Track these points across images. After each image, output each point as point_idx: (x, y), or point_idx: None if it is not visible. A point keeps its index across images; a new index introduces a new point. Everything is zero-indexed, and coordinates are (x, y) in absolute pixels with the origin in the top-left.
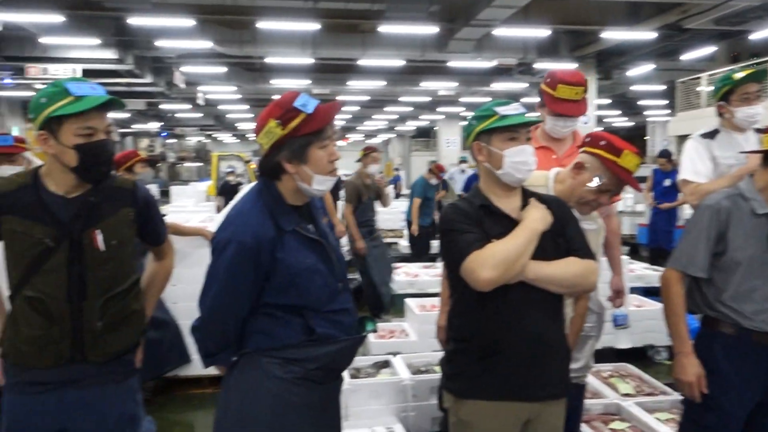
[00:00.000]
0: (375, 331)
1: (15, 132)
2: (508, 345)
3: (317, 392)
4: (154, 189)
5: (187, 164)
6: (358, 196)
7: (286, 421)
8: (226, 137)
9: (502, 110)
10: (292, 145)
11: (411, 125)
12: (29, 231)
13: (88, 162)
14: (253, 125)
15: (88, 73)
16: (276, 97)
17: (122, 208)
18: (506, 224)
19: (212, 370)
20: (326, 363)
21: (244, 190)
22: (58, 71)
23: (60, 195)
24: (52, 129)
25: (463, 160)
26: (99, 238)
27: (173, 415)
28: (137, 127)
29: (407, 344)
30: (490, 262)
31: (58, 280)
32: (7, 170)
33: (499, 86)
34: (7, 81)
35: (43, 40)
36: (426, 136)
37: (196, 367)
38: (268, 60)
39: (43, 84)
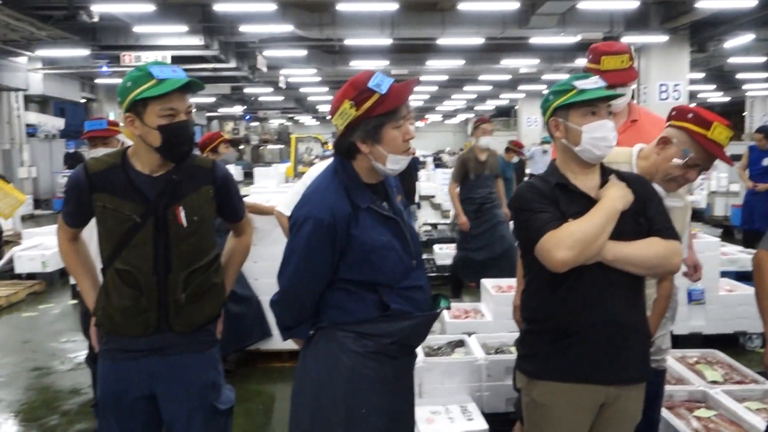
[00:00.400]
0: (449, 308)
1: (111, 117)
2: (583, 327)
3: (391, 366)
4: (238, 171)
5: (269, 146)
6: (462, 172)
7: (361, 392)
8: (306, 119)
9: (580, 84)
10: (366, 125)
11: (490, 104)
12: (119, 208)
13: (170, 142)
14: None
15: (176, 60)
16: None
17: (202, 186)
18: (584, 203)
19: (291, 345)
20: (400, 338)
21: (316, 167)
22: (149, 58)
23: (146, 174)
24: (137, 111)
25: (545, 141)
26: (182, 214)
27: (255, 386)
28: (222, 110)
29: (482, 325)
30: (566, 242)
31: (145, 254)
32: (101, 152)
33: (584, 63)
34: (104, 69)
35: (137, 29)
36: (506, 115)
37: (277, 342)
38: (348, 42)
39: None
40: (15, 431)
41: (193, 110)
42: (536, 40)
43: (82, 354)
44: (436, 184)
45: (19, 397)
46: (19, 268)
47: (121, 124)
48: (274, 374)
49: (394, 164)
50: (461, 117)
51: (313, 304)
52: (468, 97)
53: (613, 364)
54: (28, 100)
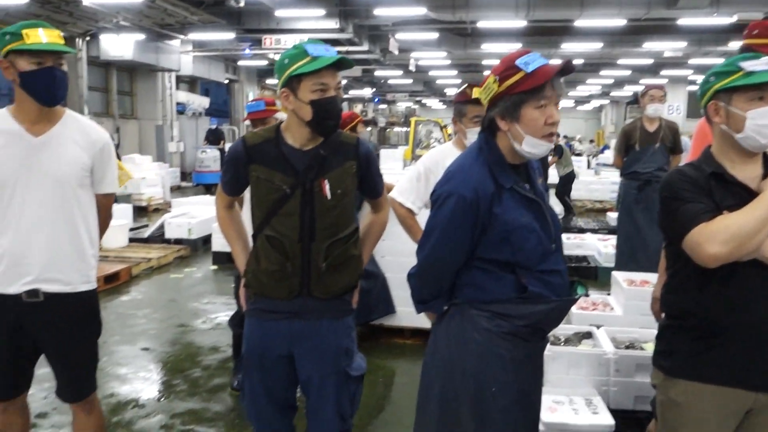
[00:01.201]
0: (587, 295)
1: (251, 96)
2: (732, 328)
3: (522, 349)
4: None
5: (395, 129)
6: (624, 144)
7: (491, 371)
8: (433, 103)
9: (748, 65)
10: (506, 102)
11: (628, 90)
12: (271, 178)
13: (320, 116)
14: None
15: None
16: (486, 62)
17: (346, 161)
18: (742, 195)
19: (414, 323)
20: (535, 321)
21: (433, 151)
22: (288, 42)
23: (296, 148)
24: (292, 87)
25: None
26: (326, 187)
27: (377, 360)
28: (353, 93)
29: (611, 318)
30: (720, 237)
31: (292, 223)
32: None
33: (738, 45)
34: (247, 51)
35: (278, 13)
36: None
37: (400, 318)
38: (480, 24)
39: (276, 53)
40: (164, 379)
41: (342, 86)
42: (685, 21)
43: (221, 315)
44: None
45: (166, 349)
46: (169, 233)
47: (278, 103)
48: (395, 350)
49: (532, 148)
50: (595, 103)
51: (450, 280)
52: (604, 82)
53: (765, 368)
54: (179, 80)
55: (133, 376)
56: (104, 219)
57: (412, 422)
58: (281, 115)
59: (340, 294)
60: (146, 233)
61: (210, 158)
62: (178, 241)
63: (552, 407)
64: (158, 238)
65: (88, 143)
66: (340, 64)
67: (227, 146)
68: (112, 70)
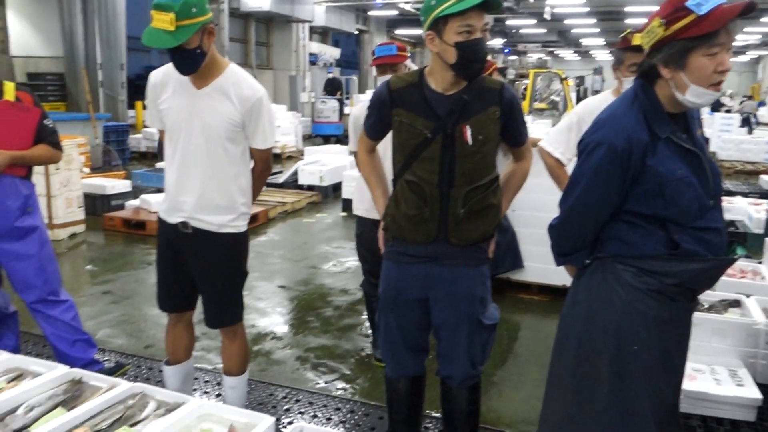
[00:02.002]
0: (748, 256)
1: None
2: None
3: (669, 308)
4: None
5: (525, 81)
6: None
7: (634, 329)
8: (567, 54)
9: None
10: (672, 48)
11: None
12: (413, 123)
13: (465, 58)
14: (597, 41)
15: None
16: (629, 8)
17: (490, 107)
18: None
19: (542, 279)
20: (685, 280)
21: (591, 98)
22: None
23: (439, 92)
24: (438, 29)
25: None
26: (468, 132)
27: (502, 314)
28: None
29: (762, 288)
30: None
31: (432, 168)
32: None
33: None
34: (378, 2)
35: None
36: None
37: (527, 274)
38: None
39: (406, 3)
40: (298, 315)
41: (489, 28)
42: None
43: (350, 259)
44: (711, 130)
45: (300, 288)
46: (302, 180)
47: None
48: (521, 305)
49: (697, 97)
50: (751, 54)
51: (594, 233)
52: (764, 30)
53: None
54: (312, 31)
55: (271, 311)
56: (260, 172)
57: (536, 377)
58: (410, 63)
59: (476, 242)
60: (281, 179)
61: (329, 109)
62: (310, 188)
63: (691, 375)
64: (292, 184)
65: (240, 99)
66: (487, 5)
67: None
68: (251, 21)
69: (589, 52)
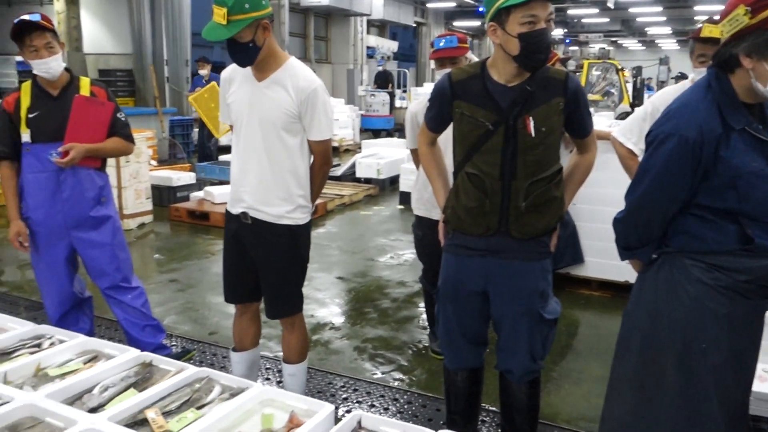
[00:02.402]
0: None
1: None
2: None
3: (741, 306)
4: None
5: (593, 72)
6: None
7: (703, 326)
8: (631, 44)
9: None
10: (758, 37)
11: None
12: (474, 115)
13: (528, 50)
14: (663, 30)
15: None
16: None
17: (554, 98)
18: None
19: (602, 275)
20: (760, 277)
21: (667, 88)
22: None
23: (501, 84)
24: (500, 20)
25: None
26: (531, 124)
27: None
28: None
29: None
30: None
31: (494, 160)
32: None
33: None
34: None
35: None
36: None
37: (588, 269)
38: None
39: None
40: (356, 306)
41: (553, 18)
42: None
43: (408, 252)
44: None
45: (358, 279)
46: (359, 173)
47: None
48: (580, 300)
49: None
50: None
51: (662, 227)
52: None
53: None
54: (370, 24)
55: (330, 302)
56: (319, 165)
57: (596, 374)
58: (471, 56)
59: (538, 235)
60: (338, 172)
61: (378, 102)
62: (367, 181)
63: (762, 376)
64: (349, 176)
65: (296, 90)
66: None
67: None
68: (310, 16)
69: (655, 42)
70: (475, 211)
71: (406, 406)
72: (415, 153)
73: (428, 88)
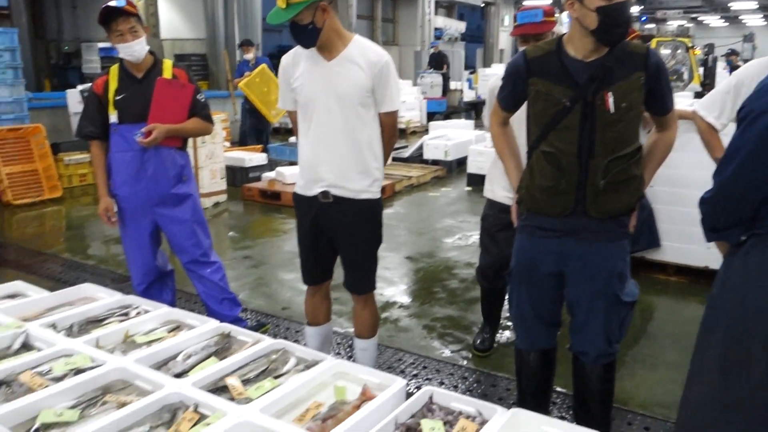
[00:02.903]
0: None
1: (506, 21)
2: None
3: None
4: None
5: (662, 50)
6: None
7: None
8: (712, 20)
9: None
10: None
11: None
12: (551, 92)
13: (607, 24)
14: (748, 5)
15: None
16: None
17: (634, 73)
18: None
19: (680, 259)
20: None
21: (755, 61)
22: None
23: (579, 59)
24: None
25: None
26: (610, 100)
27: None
28: None
29: None
30: None
31: (571, 138)
32: None
33: None
34: None
35: None
36: None
37: (665, 253)
38: None
39: None
40: (425, 286)
41: None
42: None
43: (475, 234)
44: None
45: (426, 260)
46: (427, 154)
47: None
48: (656, 285)
49: None
50: None
51: (752, 209)
52: None
53: None
54: (437, 5)
55: (398, 281)
56: (389, 136)
57: (672, 360)
58: (558, 28)
59: (616, 215)
60: (406, 154)
61: (427, 84)
62: (435, 162)
63: None
64: (417, 158)
65: (368, 65)
66: None
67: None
68: None
69: (739, 18)
70: (551, 190)
71: (475, 385)
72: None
73: (496, 69)
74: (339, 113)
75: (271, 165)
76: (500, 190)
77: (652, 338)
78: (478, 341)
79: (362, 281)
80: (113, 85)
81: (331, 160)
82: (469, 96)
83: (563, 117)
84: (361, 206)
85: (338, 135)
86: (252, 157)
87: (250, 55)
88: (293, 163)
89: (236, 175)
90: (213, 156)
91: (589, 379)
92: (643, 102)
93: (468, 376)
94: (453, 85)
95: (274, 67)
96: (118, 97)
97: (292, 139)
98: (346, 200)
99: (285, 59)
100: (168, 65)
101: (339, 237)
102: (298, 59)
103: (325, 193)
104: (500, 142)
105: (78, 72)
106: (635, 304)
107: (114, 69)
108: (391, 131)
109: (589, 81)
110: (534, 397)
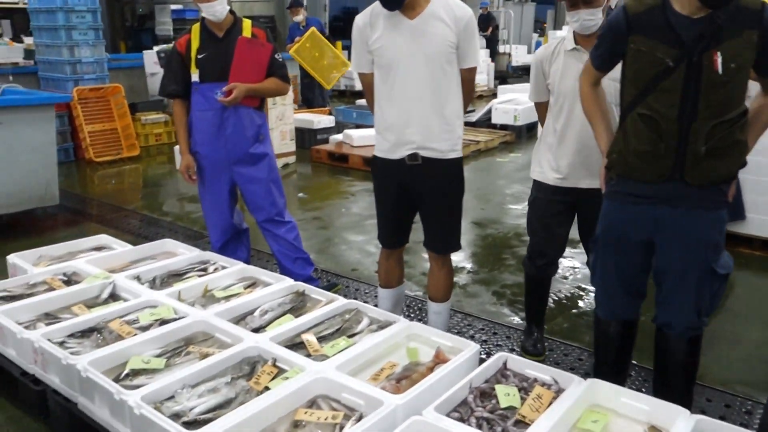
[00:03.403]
0: None
1: None
2: None
3: None
4: None
5: None
6: None
7: None
8: None
9: None
10: None
11: None
12: (652, 50)
13: None
14: None
15: None
16: None
17: (745, 30)
18: None
19: (767, 233)
20: None
21: None
22: None
23: (685, 15)
24: None
25: None
26: (718, 60)
27: None
28: None
29: None
30: None
31: (671, 100)
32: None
33: None
34: None
35: None
36: None
37: (750, 226)
38: None
39: None
40: (493, 252)
41: None
42: None
43: None
44: None
45: (494, 225)
46: (495, 119)
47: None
48: (739, 259)
49: None
50: None
51: None
52: None
53: None
54: None
55: (466, 246)
56: (468, 92)
57: (757, 337)
58: None
59: (716, 182)
60: (473, 118)
61: None
62: (503, 127)
63: None
64: (484, 123)
65: (453, 20)
66: None
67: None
68: None
69: None
70: (648, 155)
71: (546, 353)
72: (539, 107)
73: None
74: (425, 72)
75: (338, 127)
76: (550, 171)
77: (734, 314)
78: (530, 345)
79: (448, 241)
80: (195, 44)
81: (418, 121)
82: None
83: (665, 78)
84: (449, 166)
85: (425, 95)
86: (320, 119)
87: (299, 17)
88: (359, 126)
89: (305, 137)
90: (283, 117)
91: (673, 352)
92: (753, 62)
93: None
94: (501, 48)
95: (339, 31)
96: (199, 56)
97: (360, 101)
98: (433, 161)
99: (360, 20)
100: (247, 24)
101: (426, 198)
102: (375, 20)
103: (413, 156)
104: (590, 104)
105: (151, 33)
106: (728, 277)
107: (196, 28)
108: (470, 87)
109: (697, 39)
110: (612, 367)
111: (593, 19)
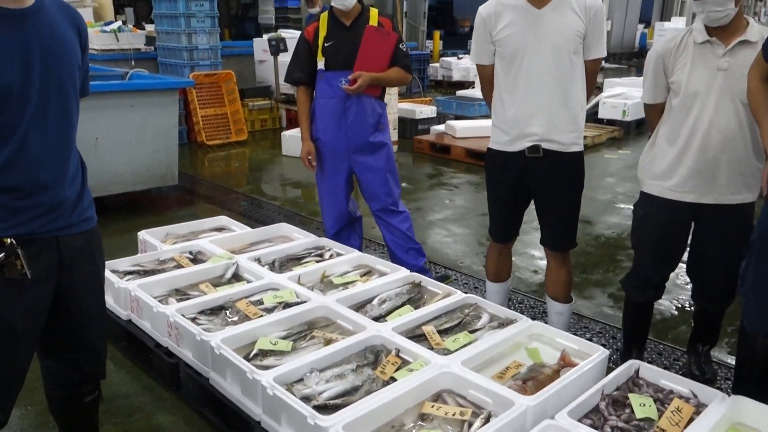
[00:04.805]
0: None
1: None
2: None
3: None
4: None
5: None
6: None
7: None
8: None
9: None
10: None
11: None
12: None
13: None
14: None
15: None
16: None
17: None
18: None
19: None
20: None
21: None
22: None
23: None
24: None
25: None
26: None
27: None
28: None
29: None
30: None
31: None
32: None
33: None
34: None
35: None
36: None
37: None
38: None
39: None
40: (608, 252)
41: None
42: None
43: None
44: None
45: (608, 224)
46: (602, 113)
47: None
48: None
49: None
50: None
51: None
52: None
53: None
54: None
55: (579, 245)
56: (590, 85)
57: None
58: None
59: None
60: None
61: None
62: (611, 122)
63: None
64: (590, 117)
65: (583, 9)
66: None
67: None
68: None
69: None
70: None
71: (671, 362)
72: (652, 109)
73: (676, 23)
74: (552, 63)
75: (439, 118)
76: (668, 183)
77: None
78: (696, 369)
79: (566, 237)
80: (323, 32)
81: (542, 113)
82: None
83: None
84: (571, 159)
85: (551, 86)
86: (422, 109)
87: (316, 9)
88: (459, 117)
89: (406, 127)
90: (388, 106)
91: None
92: None
93: (663, 351)
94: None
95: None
96: (326, 44)
97: (461, 92)
98: (555, 154)
99: (484, 10)
100: (374, 13)
101: (544, 192)
102: (501, 9)
103: (534, 148)
104: (758, 100)
105: (254, 22)
106: None
107: (324, 16)
108: (593, 79)
109: None
110: (757, 384)
111: (723, 9)
